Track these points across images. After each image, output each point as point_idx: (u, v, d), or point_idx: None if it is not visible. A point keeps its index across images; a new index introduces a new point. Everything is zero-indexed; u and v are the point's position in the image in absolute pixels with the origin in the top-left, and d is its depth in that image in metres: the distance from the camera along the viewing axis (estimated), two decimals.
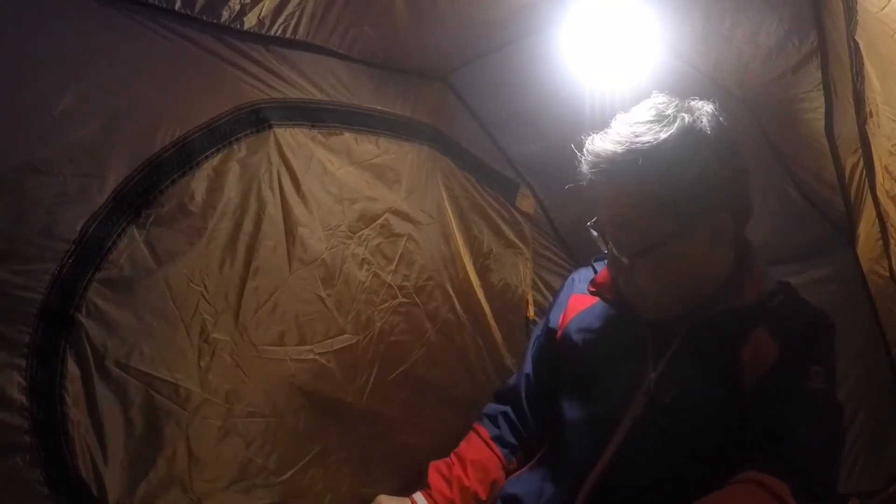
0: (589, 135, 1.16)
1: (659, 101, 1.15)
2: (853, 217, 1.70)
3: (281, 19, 1.35)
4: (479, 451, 1.39)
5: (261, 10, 1.31)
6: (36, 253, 1.05)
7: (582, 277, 1.41)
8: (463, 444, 1.42)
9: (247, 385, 1.33)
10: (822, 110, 1.60)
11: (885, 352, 1.69)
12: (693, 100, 1.15)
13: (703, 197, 1.07)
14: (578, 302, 1.36)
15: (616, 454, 1.12)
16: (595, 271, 1.33)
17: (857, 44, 1.32)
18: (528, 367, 1.48)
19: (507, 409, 1.44)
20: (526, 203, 2.09)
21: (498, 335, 1.93)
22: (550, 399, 1.34)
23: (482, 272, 1.93)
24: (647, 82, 1.72)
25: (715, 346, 1.10)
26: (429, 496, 1.34)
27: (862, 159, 1.49)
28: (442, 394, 1.75)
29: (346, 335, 1.52)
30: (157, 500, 1.17)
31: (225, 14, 1.27)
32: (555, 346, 1.36)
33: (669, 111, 1.11)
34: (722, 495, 0.95)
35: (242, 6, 1.28)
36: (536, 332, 1.52)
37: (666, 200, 1.07)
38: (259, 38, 1.35)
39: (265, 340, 1.37)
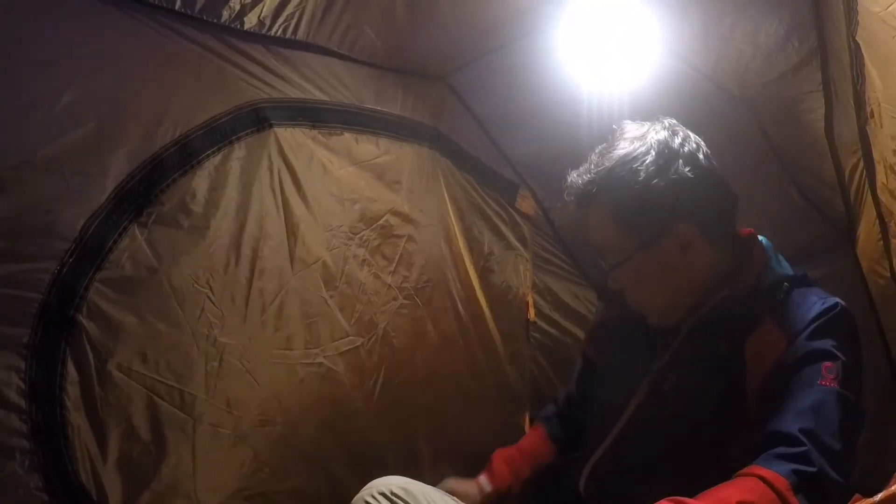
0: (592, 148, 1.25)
1: (626, 130, 1.23)
2: (853, 218, 1.71)
3: (281, 19, 1.35)
4: (535, 444, 1.51)
5: (261, 10, 1.30)
6: (35, 251, 1.03)
7: None
8: (525, 439, 1.54)
9: (257, 391, 1.31)
10: (823, 111, 1.60)
11: (885, 352, 1.69)
12: (659, 121, 1.22)
13: (654, 212, 1.15)
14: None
15: (618, 437, 1.21)
16: None
17: (857, 44, 1.32)
18: (571, 383, 1.58)
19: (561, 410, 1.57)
20: (525, 204, 2.09)
21: (497, 337, 1.93)
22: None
23: (483, 274, 1.92)
24: (647, 83, 1.74)
25: (716, 337, 1.15)
26: (491, 478, 1.42)
27: (862, 160, 1.50)
28: (448, 396, 1.74)
29: (350, 337, 1.51)
30: None
31: (225, 14, 1.26)
32: (589, 354, 1.49)
33: (630, 135, 1.20)
34: (721, 487, 0.97)
35: (243, 6, 1.27)
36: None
37: (622, 220, 1.18)
38: (259, 37, 1.34)
39: (274, 344, 1.35)
